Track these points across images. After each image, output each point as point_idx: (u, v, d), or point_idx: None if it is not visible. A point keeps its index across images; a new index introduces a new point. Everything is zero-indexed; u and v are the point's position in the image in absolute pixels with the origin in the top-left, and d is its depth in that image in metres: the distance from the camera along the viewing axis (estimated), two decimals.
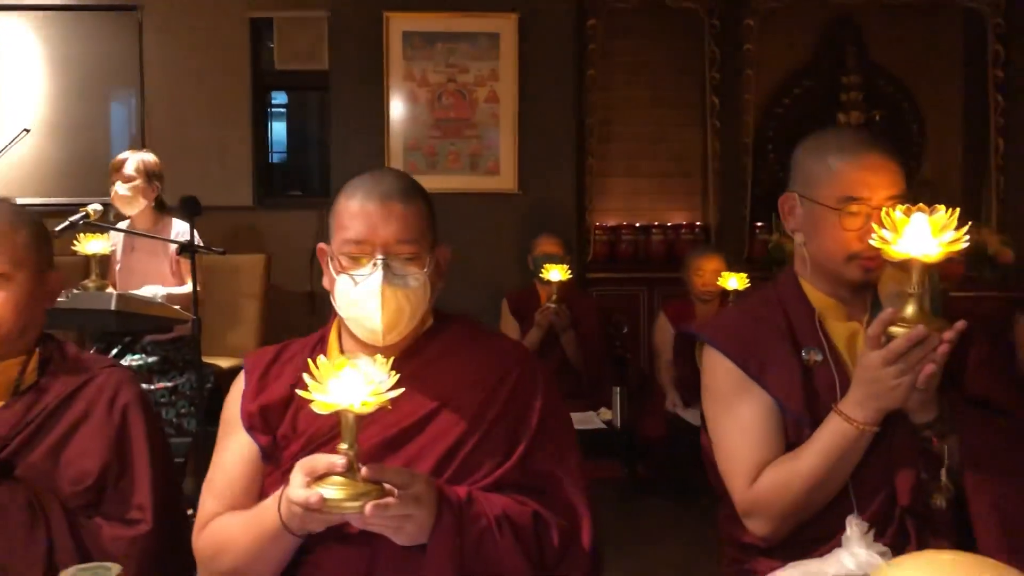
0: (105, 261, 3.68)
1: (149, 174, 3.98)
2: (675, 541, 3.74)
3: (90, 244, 3.43)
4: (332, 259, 1.57)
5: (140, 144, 5.42)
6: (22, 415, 1.58)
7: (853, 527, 1.28)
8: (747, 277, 4.04)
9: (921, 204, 1.51)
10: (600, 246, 5.48)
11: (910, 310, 1.49)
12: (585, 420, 4.00)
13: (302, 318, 4.91)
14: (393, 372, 1.31)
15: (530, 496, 1.50)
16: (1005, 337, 4.79)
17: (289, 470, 1.37)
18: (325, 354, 1.62)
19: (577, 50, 5.18)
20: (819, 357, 1.67)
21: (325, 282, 1.60)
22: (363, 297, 1.51)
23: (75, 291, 3.26)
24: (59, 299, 3.09)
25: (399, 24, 4.91)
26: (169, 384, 3.86)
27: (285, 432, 1.55)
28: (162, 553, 1.54)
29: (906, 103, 5.72)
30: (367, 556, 1.43)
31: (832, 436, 1.57)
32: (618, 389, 4.03)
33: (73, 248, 3.49)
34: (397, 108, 4.97)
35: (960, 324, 1.50)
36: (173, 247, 3.83)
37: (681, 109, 5.60)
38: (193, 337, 3.42)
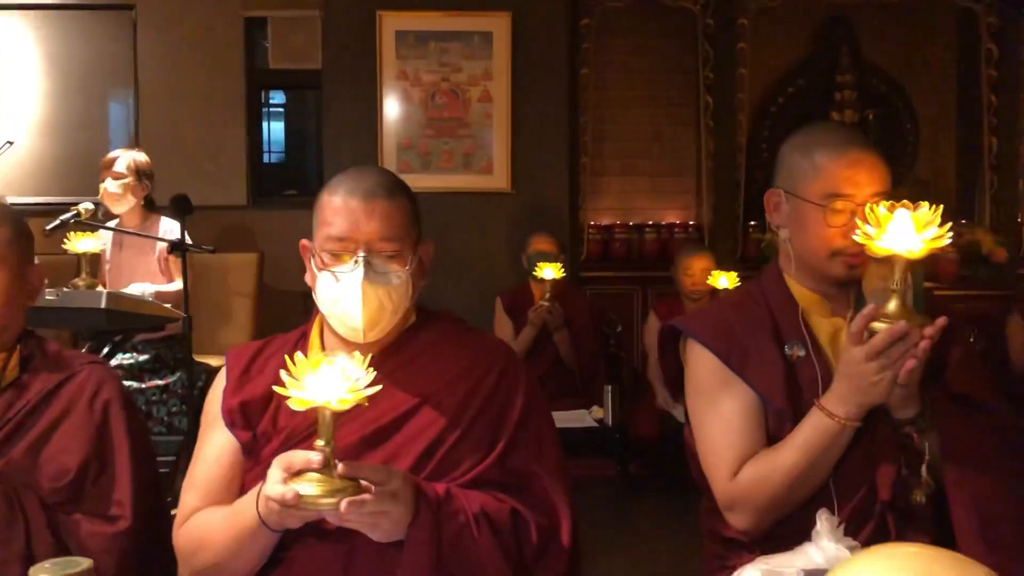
0: (95, 260, 3.69)
1: (139, 173, 3.99)
2: (667, 539, 3.74)
3: (80, 243, 3.43)
4: (314, 255, 1.57)
5: (135, 143, 5.43)
6: (2, 412, 1.58)
7: (823, 521, 1.28)
8: (738, 276, 4.04)
9: (905, 200, 1.51)
10: (594, 245, 5.49)
11: (892, 306, 1.50)
12: (577, 418, 4.00)
13: (296, 317, 4.83)
14: (372, 369, 1.31)
15: (510, 494, 1.50)
16: (998, 335, 4.80)
17: (269, 466, 1.37)
18: (306, 350, 1.62)
19: (570, 49, 5.18)
20: (802, 352, 1.68)
21: (307, 278, 1.60)
22: (344, 294, 1.52)
23: (65, 290, 3.26)
24: (49, 297, 3.13)
25: (392, 23, 4.91)
26: (160, 383, 3.87)
27: (265, 428, 1.55)
28: (142, 549, 1.55)
29: (900, 102, 5.72)
30: (344, 552, 1.43)
31: (814, 431, 1.57)
32: (610, 387, 4.03)
33: (64, 246, 3.49)
34: (390, 107, 4.97)
35: (941, 320, 1.51)
36: (161, 245, 3.84)
37: (675, 108, 5.61)
38: (184, 336, 3.43)
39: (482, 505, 1.45)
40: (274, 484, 1.32)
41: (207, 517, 1.50)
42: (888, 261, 1.50)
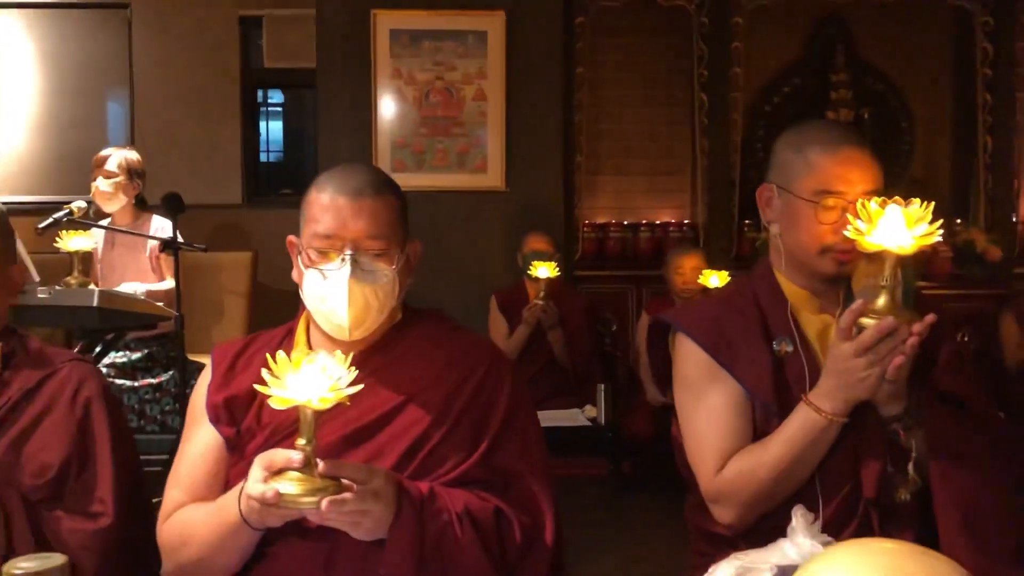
0: (88, 258, 3.69)
1: (131, 171, 4.00)
2: (660, 539, 3.73)
3: (72, 241, 3.43)
4: (301, 252, 1.57)
5: (130, 141, 5.43)
6: None
7: (798, 518, 1.29)
8: (730, 275, 4.05)
9: (896, 197, 1.52)
10: (589, 244, 5.48)
11: (881, 301, 1.50)
12: (570, 417, 4.01)
13: (290, 316, 4.85)
14: (353, 368, 1.31)
15: (493, 492, 1.50)
16: (992, 334, 4.80)
17: (253, 462, 1.37)
18: (291, 347, 1.62)
19: (565, 48, 5.17)
20: (790, 348, 1.68)
21: (294, 275, 1.60)
22: (330, 292, 1.51)
23: (57, 288, 3.26)
24: (41, 296, 3.13)
25: (386, 22, 4.91)
26: (153, 381, 3.88)
27: (250, 424, 1.55)
28: (125, 546, 1.55)
29: (895, 101, 5.72)
30: (326, 550, 1.43)
31: (800, 426, 1.58)
32: (602, 386, 4.03)
33: (56, 245, 3.50)
34: (384, 106, 4.96)
35: (930, 317, 1.51)
36: (152, 243, 3.84)
37: (670, 107, 5.60)
38: (177, 334, 3.43)
39: (465, 504, 1.45)
40: (255, 483, 1.32)
41: (190, 513, 1.51)
42: (878, 257, 1.50)
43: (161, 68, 5.67)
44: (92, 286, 3.45)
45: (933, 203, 1.49)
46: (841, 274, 1.70)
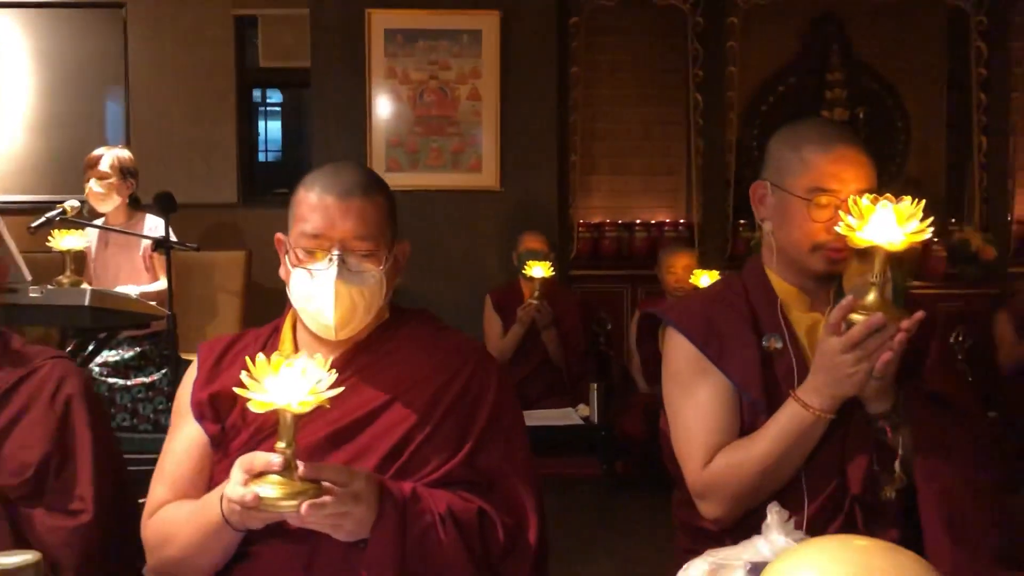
0: (80, 257, 3.70)
1: (124, 171, 4.00)
2: (653, 538, 3.73)
3: (64, 240, 3.44)
4: (289, 251, 1.56)
5: (126, 141, 5.43)
6: None
7: (773, 515, 1.29)
8: (720, 274, 4.05)
9: (888, 194, 1.52)
10: (584, 243, 5.47)
11: (870, 298, 1.51)
12: (563, 416, 4.01)
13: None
14: (334, 371, 1.31)
15: (477, 493, 1.50)
16: (986, 333, 4.81)
17: (237, 459, 1.37)
18: (277, 345, 1.62)
19: (560, 47, 5.17)
20: (779, 345, 1.68)
21: (281, 272, 1.59)
22: (317, 292, 1.51)
23: (49, 287, 3.26)
24: (33, 295, 3.13)
25: (381, 21, 4.91)
26: (146, 380, 3.88)
27: (234, 421, 1.55)
28: (105, 543, 1.55)
29: (890, 101, 5.71)
30: (308, 551, 1.43)
31: (788, 421, 1.58)
32: (595, 385, 4.04)
33: (48, 244, 3.50)
34: (379, 105, 4.96)
35: (919, 314, 1.52)
36: (146, 243, 3.85)
37: (665, 107, 5.59)
38: (169, 332, 3.44)
39: (448, 504, 1.45)
40: (235, 486, 1.32)
41: (173, 511, 1.50)
42: (869, 255, 1.51)
43: (156, 67, 5.67)
44: (84, 285, 3.45)
45: (924, 201, 1.49)
46: (832, 272, 1.70)
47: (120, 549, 1.57)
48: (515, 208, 4.98)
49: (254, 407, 1.27)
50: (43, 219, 3.56)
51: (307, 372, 1.28)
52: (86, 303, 3.20)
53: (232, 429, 1.55)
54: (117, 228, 3.94)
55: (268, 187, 6.79)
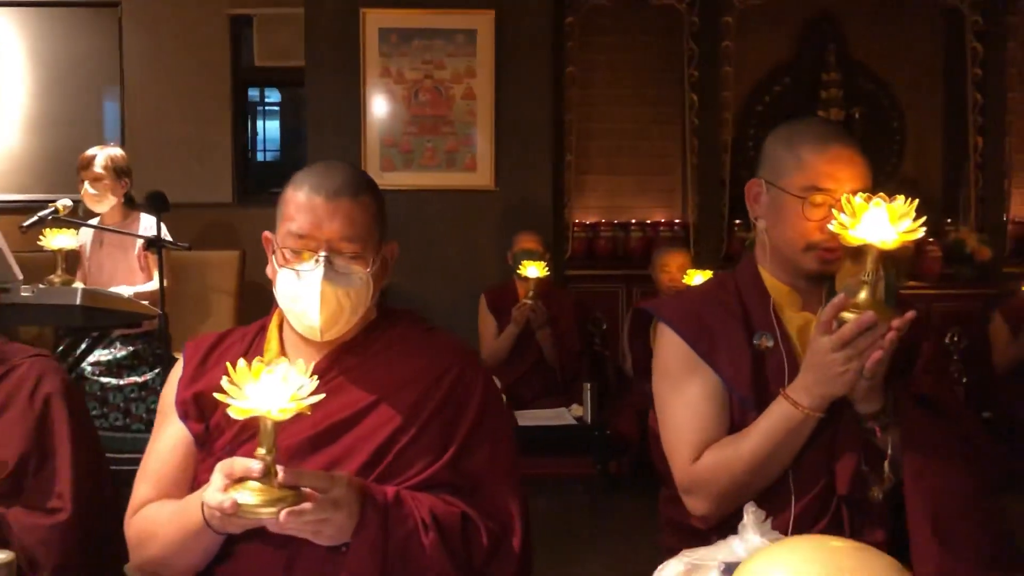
0: (72, 256, 3.69)
1: (117, 171, 4.00)
2: (647, 538, 3.71)
3: (56, 239, 3.43)
4: (276, 250, 1.55)
5: (121, 140, 5.43)
6: None
7: (749, 514, 1.28)
8: (713, 274, 4.05)
9: (881, 193, 1.52)
10: (579, 243, 5.47)
11: (862, 296, 1.51)
12: (556, 416, 4.01)
13: None
14: (315, 377, 1.30)
15: (461, 497, 1.49)
16: (981, 334, 4.80)
17: (221, 458, 1.37)
18: (263, 344, 1.61)
19: (555, 47, 5.17)
20: (770, 343, 1.68)
21: (268, 271, 1.58)
22: (303, 293, 1.50)
23: (41, 286, 3.26)
24: (25, 294, 3.12)
25: (375, 20, 4.90)
26: (139, 379, 3.87)
27: (219, 420, 1.54)
28: (84, 541, 1.54)
29: (886, 101, 5.72)
30: (288, 554, 1.42)
31: (777, 419, 1.58)
32: (588, 385, 4.04)
33: (40, 243, 3.49)
34: (374, 105, 4.96)
35: (910, 314, 1.52)
36: (140, 242, 3.84)
37: (660, 106, 5.60)
38: (161, 332, 3.43)
39: (431, 508, 1.44)
40: (214, 492, 1.31)
41: (155, 511, 1.50)
42: (862, 255, 1.51)
43: (152, 66, 5.67)
44: (76, 284, 3.45)
45: (917, 200, 1.49)
46: (824, 273, 1.70)
47: (101, 547, 1.56)
48: (510, 208, 4.98)
49: (234, 413, 1.26)
50: (35, 218, 3.56)
51: (288, 378, 1.27)
52: (77, 302, 3.20)
53: (216, 428, 1.54)
54: (111, 228, 3.93)
55: (267, 186, 6.77)
